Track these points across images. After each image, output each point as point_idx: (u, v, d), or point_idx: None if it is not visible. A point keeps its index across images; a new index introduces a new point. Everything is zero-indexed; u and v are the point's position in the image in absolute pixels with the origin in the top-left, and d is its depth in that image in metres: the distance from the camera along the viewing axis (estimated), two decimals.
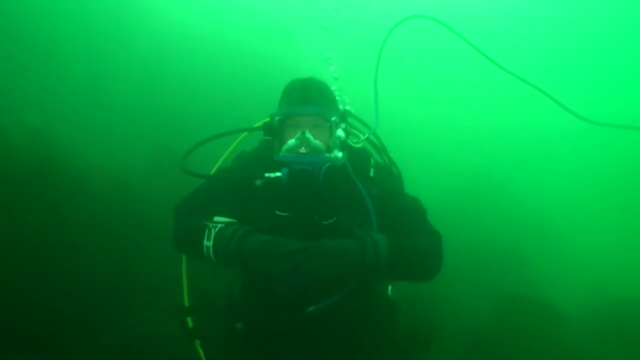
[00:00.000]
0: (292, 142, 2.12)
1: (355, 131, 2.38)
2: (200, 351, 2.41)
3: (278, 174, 2.03)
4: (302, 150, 2.10)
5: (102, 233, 4.13)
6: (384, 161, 2.54)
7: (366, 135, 2.38)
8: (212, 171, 2.48)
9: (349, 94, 2.59)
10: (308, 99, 2.18)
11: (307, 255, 1.82)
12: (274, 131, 2.20)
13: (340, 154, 2.12)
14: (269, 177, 2.04)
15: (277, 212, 2.15)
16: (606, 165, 12.49)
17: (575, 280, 7.56)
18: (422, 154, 10.80)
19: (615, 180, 11.88)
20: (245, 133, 2.52)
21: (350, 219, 2.13)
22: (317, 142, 2.11)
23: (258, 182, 2.14)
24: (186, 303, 2.54)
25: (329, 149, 2.15)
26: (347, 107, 2.52)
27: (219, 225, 1.97)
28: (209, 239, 1.95)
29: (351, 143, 2.29)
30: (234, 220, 2.01)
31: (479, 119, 14.58)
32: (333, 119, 2.17)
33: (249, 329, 2.21)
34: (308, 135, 2.10)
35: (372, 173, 2.27)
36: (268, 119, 2.45)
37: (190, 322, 2.49)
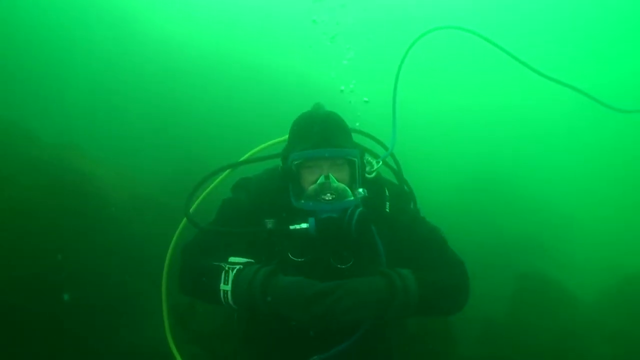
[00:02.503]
0: (314, 187, 1.96)
1: (368, 157, 2.23)
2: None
3: (304, 225, 1.88)
4: (327, 197, 1.92)
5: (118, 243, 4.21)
6: (397, 181, 2.39)
7: (380, 164, 2.22)
8: (198, 201, 2.39)
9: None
10: (329, 138, 2.00)
11: (337, 296, 1.67)
12: (291, 174, 2.02)
13: (361, 190, 2.00)
14: (294, 229, 1.88)
15: (290, 256, 2.01)
16: (617, 149, 12.37)
17: (589, 262, 7.56)
18: (432, 148, 10.84)
19: (628, 163, 11.75)
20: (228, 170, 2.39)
21: (366, 260, 2.02)
22: (341, 185, 1.96)
23: (270, 225, 1.96)
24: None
25: (353, 190, 2.00)
26: (357, 124, 2.42)
27: (237, 267, 1.80)
28: (226, 282, 1.77)
29: (366, 174, 2.14)
30: (252, 260, 1.85)
31: (487, 111, 14.51)
32: (356, 159, 2.03)
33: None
34: (332, 178, 1.95)
35: (387, 208, 2.13)
36: (269, 144, 2.44)
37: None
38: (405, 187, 2.37)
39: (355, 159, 2.04)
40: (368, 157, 2.23)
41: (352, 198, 1.97)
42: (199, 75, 9.76)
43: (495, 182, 9.68)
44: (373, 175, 2.18)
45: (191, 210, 2.20)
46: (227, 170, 2.40)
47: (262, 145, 2.49)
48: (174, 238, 2.45)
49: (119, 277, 3.96)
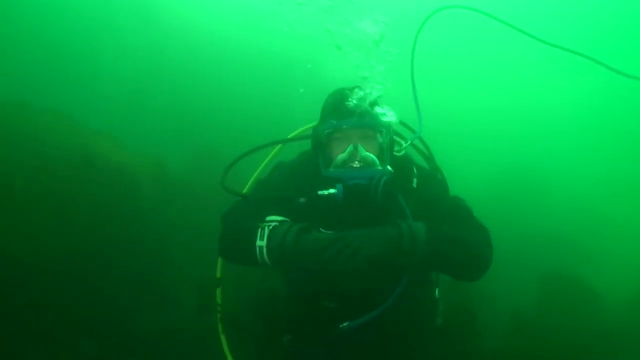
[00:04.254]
0: (342, 156, 2.01)
1: (397, 138, 2.26)
2: (224, 341, 2.34)
3: (332, 190, 1.92)
4: (355, 164, 1.99)
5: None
6: (429, 166, 2.42)
7: (408, 142, 2.26)
8: (249, 182, 2.45)
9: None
10: (358, 110, 2.05)
11: (346, 240, 1.74)
12: (320, 145, 2.09)
13: (389, 167, 2.05)
14: (322, 195, 1.94)
15: (321, 229, 2.02)
16: None
17: (623, 261, 7.34)
18: (461, 144, 10.70)
19: None
20: (280, 145, 2.46)
21: None
22: (369, 155, 2.01)
23: (302, 200, 2.05)
24: (218, 275, 2.44)
25: (381, 161, 2.05)
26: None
27: (273, 224, 1.85)
28: (262, 238, 1.82)
29: (394, 152, 2.18)
30: (287, 219, 1.90)
31: (519, 107, 14.21)
32: (383, 129, 2.08)
33: (297, 341, 2.18)
34: (360, 148, 2.00)
35: (415, 183, 2.17)
36: (304, 129, 2.46)
37: (218, 296, 2.41)
38: (439, 175, 2.38)
39: (384, 130, 2.08)
40: (396, 137, 2.25)
41: (380, 168, 2.02)
42: (222, 65, 9.79)
43: (527, 180, 9.53)
44: (402, 153, 2.22)
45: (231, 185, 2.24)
46: (279, 146, 2.47)
47: (309, 126, 2.51)
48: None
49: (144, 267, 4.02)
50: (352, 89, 2.14)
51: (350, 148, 2.00)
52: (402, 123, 2.43)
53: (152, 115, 7.92)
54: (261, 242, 1.82)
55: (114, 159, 5.00)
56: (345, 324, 1.95)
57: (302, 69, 10.36)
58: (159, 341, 3.57)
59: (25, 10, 8.45)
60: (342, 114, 2.06)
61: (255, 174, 2.52)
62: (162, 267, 4.10)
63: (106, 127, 6.34)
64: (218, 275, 2.47)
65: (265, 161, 2.54)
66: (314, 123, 2.39)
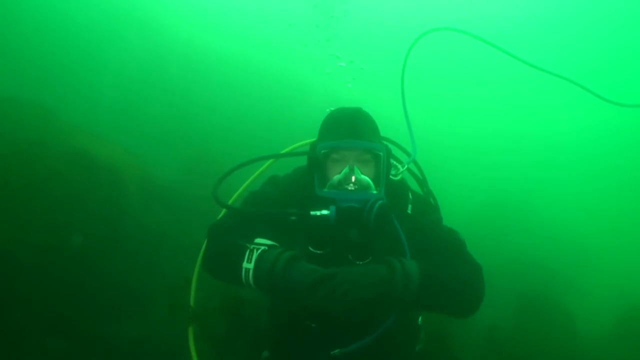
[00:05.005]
0: (338, 177, 1.97)
1: (394, 162, 2.23)
2: (193, 348, 2.30)
3: (325, 211, 1.89)
4: (350, 187, 1.94)
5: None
6: (422, 191, 2.40)
7: (405, 167, 2.24)
8: (236, 194, 2.41)
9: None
10: (357, 131, 2.03)
11: (337, 280, 1.69)
12: (317, 164, 2.04)
13: (385, 191, 2.02)
14: (314, 215, 1.89)
15: (310, 248, 2.01)
16: (633, 177, 12.18)
17: (598, 288, 7.46)
18: (448, 171, 10.81)
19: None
20: (272, 160, 2.41)
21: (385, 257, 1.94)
22: (365, 178, 1.97)
23: (293, 218, 1.97)
24: (192, 303, 2.40)
25: (376, 185, 2.01)
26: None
27: (262, 247, 1.80)
28: (249, 261, 1.78)
29: (391, 176, 2.15)
30: (277, 244, 1.85)
31: (505, 136, 14.43)
32: (381, 154, 2.04)
33: (276, 357, 2.14)
34: (356, 170, 1.96)
35: (409, 209, 2.13)
36: (300, 144, 2.43)
37: (192, 298, 2.36)
38: (431, 200, 2.37)
39: (381, 154, 2.05)
40: (393, 161, 2.22)
41: (375, 192, 1.99)
42: (215, 74, 10.11)
43: (510, 207, 9.63)
44: (398, 178, 2.20)
45: (230, 202, 2.24)
46: (270, 161, 2.42)
47: (304, 142, 2.50)
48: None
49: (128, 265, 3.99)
50: (354, 111, 2.13)
51: (346, 170, 1.97)
52: (395, 144, 2.44)
53: (148, 122, 7.96)
54: (248, 265, 1.78)
55: (102, 159, 4.95)
56: (336, 350, 1.92)
57: (296, 83, 10.58)
58: (129, 348, 3.51)
59: (28, 13, 8.50)
60: (340, 135, 2.04)
61: (243, 186, 2.50)
62: (141, 272, 4.06)
63: (101, 129, 6.40)
64: (194, 279, 2.45)
65: (255, 174, 2.50)
66: (310, 139, 2.38)
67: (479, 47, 2.80)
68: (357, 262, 2.00)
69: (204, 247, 2.17)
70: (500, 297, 5.61)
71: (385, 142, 2.22)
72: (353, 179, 1.95)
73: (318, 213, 1.90)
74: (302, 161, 2.23)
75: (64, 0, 9.41)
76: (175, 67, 9.86)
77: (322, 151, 2.04)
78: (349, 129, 2.04)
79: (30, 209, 3.69)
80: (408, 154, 2.40)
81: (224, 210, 2.22)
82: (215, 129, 8.24)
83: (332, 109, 2.25)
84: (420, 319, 2.36)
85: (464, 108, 16.23)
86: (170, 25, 11.68)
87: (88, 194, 4.12)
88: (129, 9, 10.62)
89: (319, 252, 2.01)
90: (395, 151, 2.33)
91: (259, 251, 1.80)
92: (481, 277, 1.99)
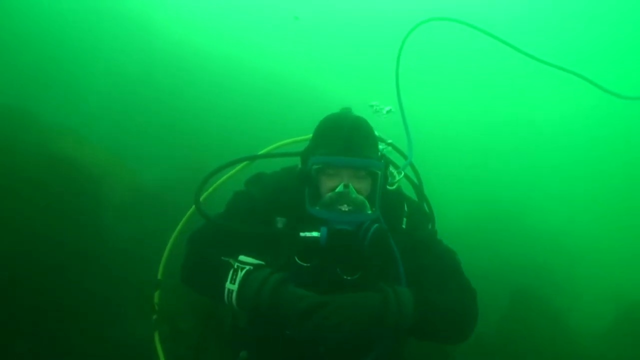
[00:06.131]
0: (331, 195, 1.86)
1: (391, 169, 2.11)
2: (159, 346, 2.24)
3: (315, 233, 1.77)
4: (344, 207, 1.82)
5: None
6: (417, 198, 2.30)
7: (402, 175, 2.12)
8: (209, 191, 2.33)
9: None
10: (354, 146, 1.89)
11: (327, 311, 1.62)
12: (308, 178, 1.91)
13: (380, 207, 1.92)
14: (304, 237, 1.78)
15: (297, 260, 1.89)
16: (630, 177, 12.23)
17: (594, 291, 7.35)
18: (442, 174, 10.81)
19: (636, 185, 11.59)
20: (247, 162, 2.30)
21: (376, 275, 1.90)
22: (360, 197, 1.86)
23: (280, 225, 1.90)
24: (159, 276, 2.33)
25: (371, 204, 1.90)
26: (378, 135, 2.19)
27: (247, 267, 1.73)
28: (233, 282, 1.70)
29: (387, 186, 2.04)
30: (263, 263, 1.78)
31: (500, 138, 14.45)
32: (379, 172, 1.92)
33: (253, 358, 2.03)
34: (351, 189, 1.84)
35: (404, 224, 2.03)
36: (284, 143, 2.34)
37: (156, 297, 2.30)
38: (426, 207, 2.27)
39: (379, 172, 1.93)
40: (391, 168, 2.12)
41: (370, 212, 1.88)
42: (204, 76, 10.03)
43: (503, 211, 9.48)
44: (395, 187, 2.08)
45: (201, 199, 2.10)
46: (244, 163, 2.29)
47: (284, 141, 2.41)
48: (178, 228, 2.39)
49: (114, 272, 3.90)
50: (351, 122, 1.98)
51: (340, 188, 1.84)
52: (393, 146, 2.33)
53: (136, 127, 7.82)
54: (232, 286, 1.70)
55: (86, 165, 4.82)
56: None
57: (288, 89, 10.50)
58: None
59: (12, 16, 8.38)
60: (336, 149, 1.89)
61: (216, 185, 2.40)
62: (114, 281, 3.90)
63: (86, 132, 6.24)
64: (159, 276, 2.36)
65: (231, 172, 2.38)
66: (295, 138, 2.30)
67: (480, 37, 2.70)
68: (346, 277, 1.89)
69: (166, 252, 2.13)
70: (490, 303, 5.57)
71: (382, 146, 2.12)
72: (348, 198, 1.83)
73: (308, 234, 1.78)
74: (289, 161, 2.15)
75: (48, 5, 9.26)
76: (163, 72, 9.72)
77: (315, 166, 1.91)
78: (345, 143, 1.89)
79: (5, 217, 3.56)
80: (405, 157, 2.29)
81: (192, 208, 2.15)
82: (205, 135, 8.12)
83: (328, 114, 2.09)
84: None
85: (453, 99, 16.16)
86: (160, 29, 11.63)
87: (68, 202, 3.99)
88: (116, 11, 10.45)
89: (305, 265, 1.89)
90: (391, 154, 2.24)
91: (244, 271, 1.71)
92: (475, 303, 1.92)
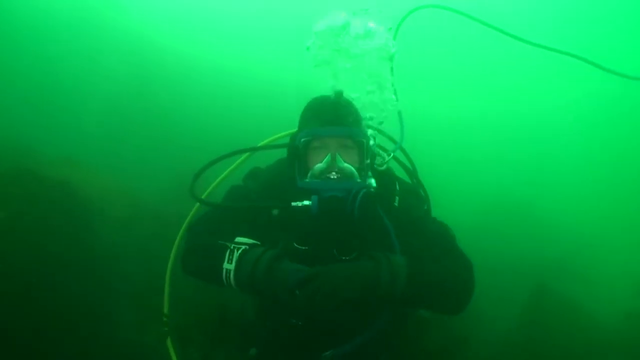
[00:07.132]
0: (319, 166, 1.90)
1: (379, 150, 2.17)
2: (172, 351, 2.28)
3: (306, 202, 1.82)
4: (333, 175, 1.88)
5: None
6: (411, 181, 2.31)
7: (391, 155, 2.17)
8: (210, 188, 2.36)
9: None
10: (338, 118, 1.95)
11: (319, 282, 1.65)
12: (297, 153, 1.97)
13: (372, 180, 1.96)
14: (295, 206, 1.82)
15: (295, 244, 1.96)
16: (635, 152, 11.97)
17: (612, 282, 7.18)
18: (452, 169, 10.70)
19: None
20: (248, 154, 2.33)
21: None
22: (348, 165, 1.90)
23: (275, 212, 1.95)
24: (165, 310, 2.36)
25: (360, 173, 1.94)
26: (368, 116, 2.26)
27: (242, 247, 1.78)
28: (230, 261, 1.75)
29: (375, 166, 2.08)
30: (258, 242, 1.83)
31: (510, 132, 14.30)
32: (364, 140, 1.97)
33: (263, 355, 2.07)
34: (338, 158, 1.88)
35: (397, 202, 2.04)
36: (279, 136, 2.37)
37: (165, 307, 2.34)
38: (421, 191, 2.27)
39: (364, 141, 1.97)
40: (379, 150, 2.16)
41: (359, 180, 1.92)
42: (200, 88, 10.09)
43: (517, 204, 9.44)
44: (384, 167, 2.12)
45: (199, 194, 2.15)
46: (245, 155, 2.33)
47: (282, 134, 2.43)
48: (185, 223, 2.39)
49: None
50: (334, 97, 2.04)
51: (327, 158, 1.89)
52: (380, 131, 2.33)
53: (131, 144, 7.79)
54: (229, 265, 1.75)
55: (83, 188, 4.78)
56: (328, 352, 1.86)
57: (284, 98, 10.45)
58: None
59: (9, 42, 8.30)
60: (321, 122, 1.96)
61: (218, 180, 2.41)
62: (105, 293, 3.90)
63: (83, 154, 6.21)
64: (166, 286, 2.38)
65: (232, 167, 2.40)
66: (290, 130, 2.31)
67: (476, 26, 2.66)
68: (343, 258, 1.94)
69: (175, 246, 2.17)
70: (509, 296, 5.50)
71: (370, 132, 2.12)
72: (335, 167, 1.88)
73: (299, 204, 1.83)
74: (284, 153, 2.14)
75: (36, 28, 9.21)
76: (160, 85, 9.75)
77: (302, 139, 1.96)
78: (330, 116, 1.96)
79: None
80: (394, 142, 2.30)
81: (197, 205, 2.17)
82: (202, 145, 8.07)
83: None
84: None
85: (454, 90, 16.02)
86: (153, 41, 11.61)
87: (54, 213, 4.00)
88: (110, 26, 10.48)
89: (303, 248, 1.96)
90: (380, 140, 2.25)
91: (240, 251, 1.76)
92: (472, 273, 1.94)
